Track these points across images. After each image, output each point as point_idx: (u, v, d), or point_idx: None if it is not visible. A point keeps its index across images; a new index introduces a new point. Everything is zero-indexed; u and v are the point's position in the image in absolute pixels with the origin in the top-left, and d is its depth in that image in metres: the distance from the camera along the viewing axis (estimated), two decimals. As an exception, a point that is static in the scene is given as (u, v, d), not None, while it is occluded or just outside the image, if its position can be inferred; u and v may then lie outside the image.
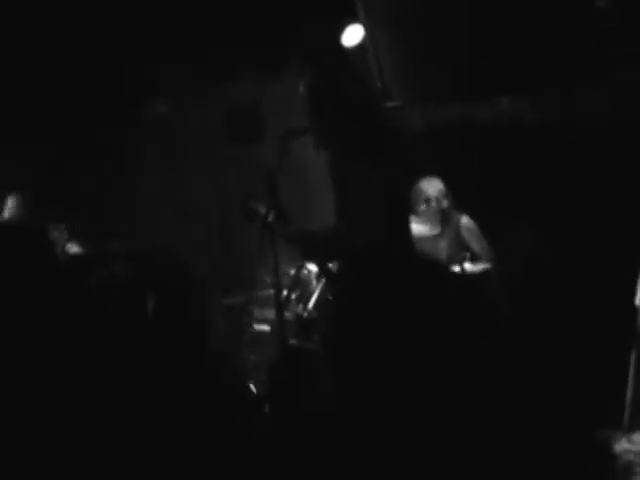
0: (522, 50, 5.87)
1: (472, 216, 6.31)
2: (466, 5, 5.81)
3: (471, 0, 5.82)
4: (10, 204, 6.39)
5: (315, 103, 6.44)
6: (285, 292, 6.11)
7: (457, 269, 6.03)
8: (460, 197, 6.33)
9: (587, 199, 6.25)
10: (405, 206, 5.40)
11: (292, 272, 6.19)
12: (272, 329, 6.29)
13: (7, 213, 6.37)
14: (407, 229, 5.32)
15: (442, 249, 6.30)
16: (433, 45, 5.85)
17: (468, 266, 6.02)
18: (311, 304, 6.03)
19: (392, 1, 5.95)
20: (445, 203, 6.31)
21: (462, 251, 6.18)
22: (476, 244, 6.27)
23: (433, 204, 6.29)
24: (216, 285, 7.13)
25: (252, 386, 5.75)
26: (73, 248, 6.31)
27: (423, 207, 6.29)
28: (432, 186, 6.31)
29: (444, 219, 6.31)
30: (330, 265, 5.88)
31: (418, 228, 6.18)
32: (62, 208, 6.99)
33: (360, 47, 6.27)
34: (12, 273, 4.12)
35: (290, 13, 6.91)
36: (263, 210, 6.00)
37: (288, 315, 5.94)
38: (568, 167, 6.33)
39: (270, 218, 5.68)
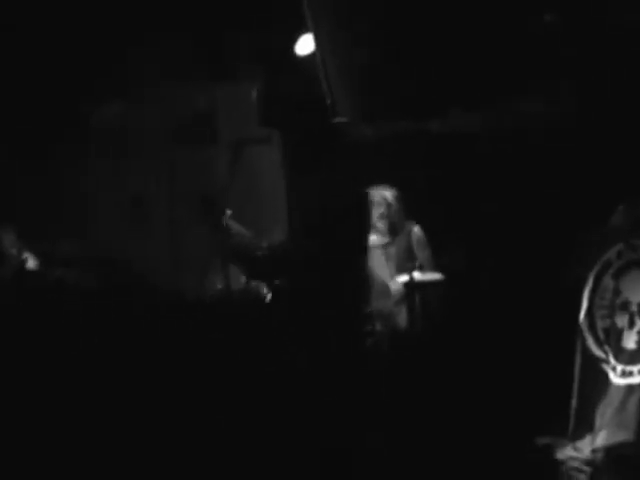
0: (471, 63, 5.96)
1: (422, 225, 6.41)
2: (415, 19, 5.87)
3: (420, 14, 5.88)
4: None
5: (266, 110, 6.50)
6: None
7: (406, 278, 6.12)
8: (411, 207, 6.42)
9: (532, 208, 6.35)
10: (355, 216, 5.45)
11: (243, 280, 6.22)
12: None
13: None
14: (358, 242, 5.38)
15: (392, 257, 6.40)
16: (381, 60, 5.92)
17: (417, 275, 6.11)
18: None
19: (339, 14, 5.99)
20: (394, 211, 6.39)
21: (411, 260, 6.29)
22: (423, 254, 6.37)
23: (383, 210, 6.37)
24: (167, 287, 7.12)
25: None
26: (30, 262, 6.23)
27: (374, 210, 6.36)
28: (382, 192, 6.39)
29: (392, 227, 6.40)
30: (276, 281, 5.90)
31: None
32: (11, 209, 6.97)
33: (313, 57, 6.30)
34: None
35: (245, 17, 6.94)
36: (216, 211, 6.03)
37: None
38: (514, 176, 6.44)
39: (225, 220, 5.72)
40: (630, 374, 4.83)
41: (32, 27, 6.97)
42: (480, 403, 4.97)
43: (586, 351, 5.04)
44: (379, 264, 6.40)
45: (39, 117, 7.54)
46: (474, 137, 6.44)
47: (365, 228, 5.34)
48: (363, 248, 5.30)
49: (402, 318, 6.30)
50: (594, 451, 4.76)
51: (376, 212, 6.37)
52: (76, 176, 7.98)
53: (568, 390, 5.04)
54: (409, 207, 6.45)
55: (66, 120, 7.73)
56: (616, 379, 4.88)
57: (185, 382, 4.25)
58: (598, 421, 4.85)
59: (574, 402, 5.02)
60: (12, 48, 7.04)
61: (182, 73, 7.55)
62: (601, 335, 5.03)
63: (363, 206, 5.78)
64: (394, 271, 6.36)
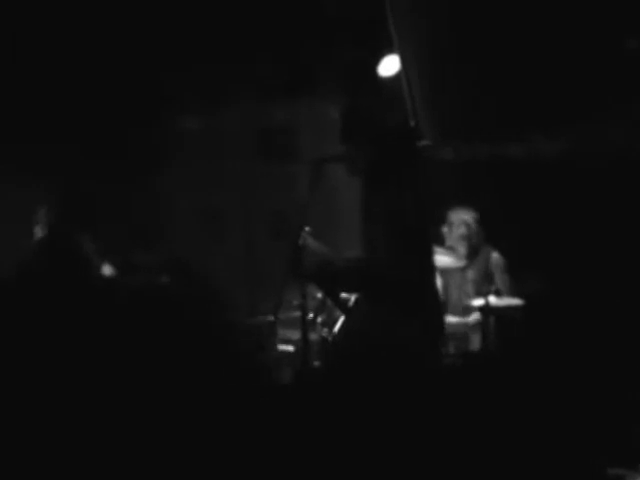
0: (552, 87, 5.94)
1: (500, 250, 6.40)
2: (498, 43, 5.88)
3: (503, 38, 5.88)
4: (41, 218, 6.37)
5: (348, 129, 6.52)
6: (311, 315, 6.16)
7: (482, 301, 6.11)
8: (490, 231, 6.41)
9: (613, 234, 6.29)
10: (429, 237, 5.47)
11: (319, 296, 6.25)
12: (296, 350, 6.35)
13: (40, 228, 6.37)
14: (429, 260, 5.39)
15: (469, 280, 6.40)
16: (464, 83, 5.93)
17: (493, 299, 6.09)
18: (337, 328, 6.09)
19: (425, 37, 6.02)
20: (474, 233, 6.40)
21: (488, 284, 6.27)
22: (501, 280, 6.36)
23: (463, 231, 6.38)
24: (241, 303, 7.19)
25: None
26: (105, 269, 6.35)
27: (454, 231, 6.39)
28: (460, 214, 6.41)
29: (471, 250, 6.40)
30: (344, 295, 5.92)
31: (445, 259, 6.27)
32: (91, 217, 7.10)
33: (396, 78, 6.34)
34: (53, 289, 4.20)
35: (331, 35, 7.00)
36: (293, 230, 6.07)
37: (313, 337, 6.00)
38: (595, 203, 6.39)
39: (303, 240, 5.75)
40: None
41: (121, 32, 7.09)
42: (552, 430, 4.92)
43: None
44: (456, 286, 6.41)
45: (121, 123, 7.68)
46: (554, 162, 6.40)
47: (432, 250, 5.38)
48: (433, 269, 5.32)
49: (476, 341, 6.28)
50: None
51: (455, 234, 6.39)
52: (155, 186, 8.11)
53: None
54: (488, 231, 6.44)
55: (148, 129, 7.87)
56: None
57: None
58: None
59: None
60: (98, 49, 7.16)
61: (265, 89, 7.64)
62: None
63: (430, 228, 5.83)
64: (471, 294, 6.36)
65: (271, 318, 5.88)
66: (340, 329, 5.93)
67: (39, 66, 7.08)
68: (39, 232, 6.36)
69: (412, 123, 5.83)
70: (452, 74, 5.91)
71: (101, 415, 3.84)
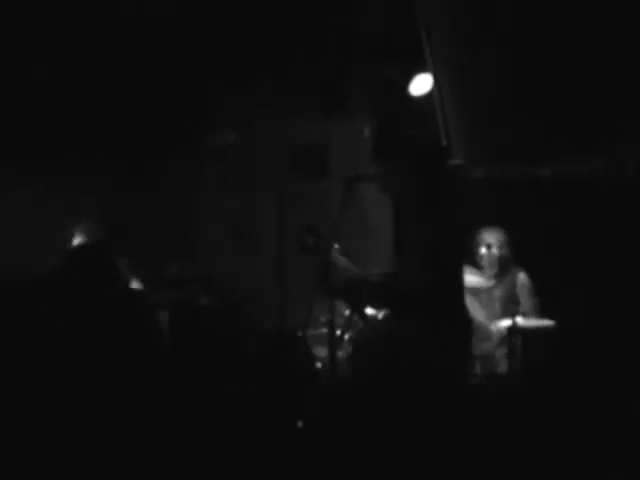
0: (585, 107, 5.93)
1: (528, 271, 6.40)
2: (531, 64, 5.88)
3: (535, 58, 5.88)
4: (79, 234, 6.41)
5: (380, 148, 6.55)
6: (339, 332, 6.17)
7: (509, 322, 6.09)
8: (518, 252, 6.41)
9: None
10: (458, 256, 5.48)
11: (347, 313, 6.26)
12: (323, 367, 6.36)
13: (77, 239, 6.43)
14: (458, 279, 5.40)
15: (496, 299, 6.40)
16: (497, 103, 5.93)
17: (520, 320, 6.08)
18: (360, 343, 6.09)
19: (459, 57, 6.03)
20: (504, 254, 6.41)
21: (515, 305, 6.28)
22: (527, 301, 6.36)
23: (493, 250, 6.39)
24: (268, 320, 7.21)
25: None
26: (134, 284, 6.39)
27: (483, 250, 6.40)
28: (493, 234, 6.43)
29: (502, 269, 6.41)
30: (368, 310, 5.94)
31: (473, 279, 6.29)
32: (125, 230, 7.16)
33: (428, 97, 6.35)
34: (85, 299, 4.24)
35: (363, 53, 7.03)
36: (323, 245, 6.10)
37: (340, 355, 6.01)
38: (627, 224, 6.36)
39: (332, 256, 5.78)
40: None
41: (159, 49, 7.16)
42: (576, 452, 4.90)
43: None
44: (483, 306, 6.42)
45: (156, 140, 7.77)
46: (586, 182, 6.38)
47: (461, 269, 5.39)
48: (462, 288, 5.34)
49: (502, 362, 6.26)
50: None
51: (484, 254, 6.42)
52: (187, 201, 8.18)
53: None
54: (517, 251, 6.44)
55: (183, 146, 7.95)
56: None
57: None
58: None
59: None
60: (138, 66, 7.26)
61: (296, 106, 7.68)
62: None
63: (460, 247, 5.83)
64: (498, 314, 6.36)
65: (300, 334, 5.89)
66: (365, 344, 5.95)
67: (82, 85, 7.19)
68: (75, 242, 6.43)
69: (444, 142, 5.83)
70: (484, 94, 5.91)
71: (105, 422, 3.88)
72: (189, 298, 6.13)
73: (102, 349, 4.03)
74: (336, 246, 6.01)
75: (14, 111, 7.04)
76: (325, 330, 6.07)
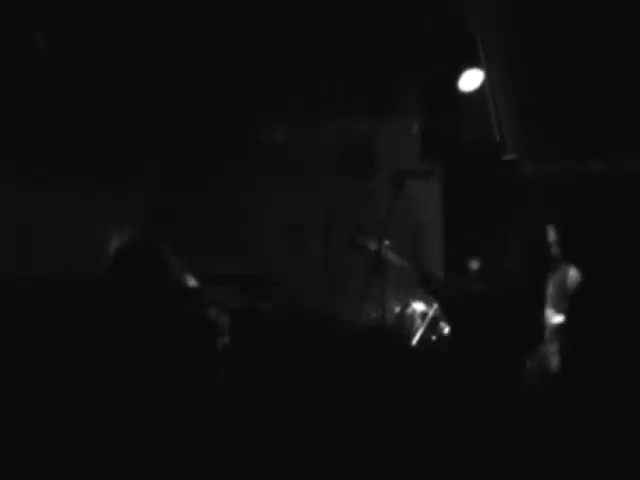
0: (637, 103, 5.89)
1: (580, 268, 6.34)
2: (583, 58, 5.84)
3: (587, 53, 5.85)
4: (124, 234, 6.45)
5: (428, 145, 6.54)
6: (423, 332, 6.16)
7: (560, 318, 6.06)
8: (569, 248, 6.36)
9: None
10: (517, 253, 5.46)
11: (397, 309, 6.28)
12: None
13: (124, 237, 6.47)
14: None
15: (547, 297, 6.36)
16: (547, 99, 5.90)
17: (571, 316, 6.04)
18: (414, 342, 6.11)
19: (511, 50, 6.00)
20: (554, 250, 6.36)
21: (565, 301, 6.23)
22: None
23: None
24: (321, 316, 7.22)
25: None
26: (191, 281, 6.43)
27: None
28: None
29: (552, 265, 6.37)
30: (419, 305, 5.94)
31: None
32: (173, 229, 7.22)
33: (478, 93, 6.32)
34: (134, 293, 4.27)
35: (411, 50, 7.00)
36: (371, 244, 6.10)
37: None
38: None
39: (382, 253, 5.79)
40: None
41: (211, 49, 7.21)
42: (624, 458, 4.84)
43: None
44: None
45: (206, 140, 7.81)
46: (637, 178, 6.32)
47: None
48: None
49: (554, 358, 6.22)
50: None
51: (534, 249, 6.39)
52: (235, 200, 8.22)
53: None
54: (568, 247, 6.39)
55: (233, 145, 7.98)
56: None
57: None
58: None
59: None
60: (191, 66, 7.30)
61: (345, 104, 7.68)
62: None
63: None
64: (548, 309, 6.32)
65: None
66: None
67: (127, 87, 7.25)
68: (122, 241, 6.47)
69: (497, 138, 5.81)
70: (537, 88, 5.89)
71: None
72: (249, 304, 6.15)
73: (158, 347, 4.05)
74: (386, 243, 6.02)
75: (66, 112, 7.12)
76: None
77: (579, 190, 6.52)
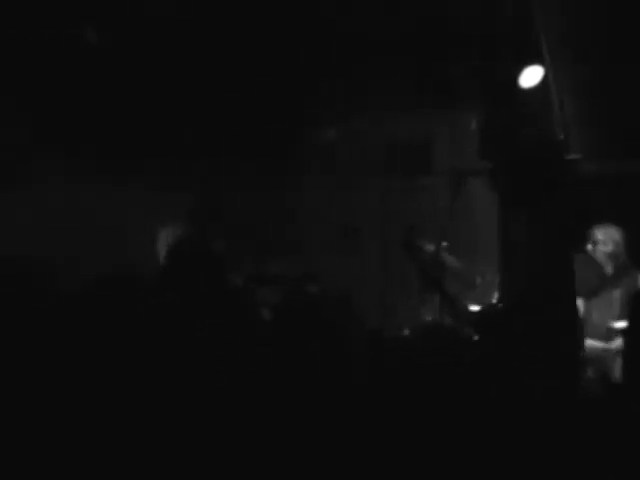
0: None
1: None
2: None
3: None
4: (175, 233, 6.39)
5: (488, 142, 6.35)
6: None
7: (625, 324, 5.84)
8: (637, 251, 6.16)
9: None
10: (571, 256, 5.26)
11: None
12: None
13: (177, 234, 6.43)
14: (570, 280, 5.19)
15: (614, 300, 6.14)
16: (613, 96, 5.74)
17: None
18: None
19: (576, 46, 5.85)
20: (621, 252, 6.15)
21: (632, 307, 6.01)
22: None
23: (600, 247, 6.14)
24: (375, 319, 7.11)
25: None
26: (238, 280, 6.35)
27: (590, 247, 6.17)
28: (607, 231, 6.19)
29: (617, 268, 6.16)
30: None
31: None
32: (224, 228, 7.15)
33: (539, 90, 6.12)
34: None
35: (467, 46, 6.86)
36: (427, 247, 5.96)
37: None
38: None
39: (439, 257, 5.65)
40: None
41: (259, 47, 7.14)
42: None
43: None
44: (600, 305, 6.16)
45: (256, 138, 7.74)
46: None
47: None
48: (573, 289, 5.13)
49: (617, 366, 6.01)
50: None
51: (601, 252, 6.16)
52: (290, 200, 8.15)
53: None
54: (635, 250, 6.18)
55: (284, 144, 7.91)
56: None
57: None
58: None
59: None
60: (244, 66, 7.23)
61: (400, 101, 7.56)
62: None
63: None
64: (616, 315, 6.09)
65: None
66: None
67: (178, 87, 7.20)
68: (174, 240, 6.42)
69: (561, 136, 5.62)
70: (602, 86, 5.72)
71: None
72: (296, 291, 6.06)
73: (212, 347, 3.98)
74: (444, 244, 5.86)
75: (120, 113, 7.09)
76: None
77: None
